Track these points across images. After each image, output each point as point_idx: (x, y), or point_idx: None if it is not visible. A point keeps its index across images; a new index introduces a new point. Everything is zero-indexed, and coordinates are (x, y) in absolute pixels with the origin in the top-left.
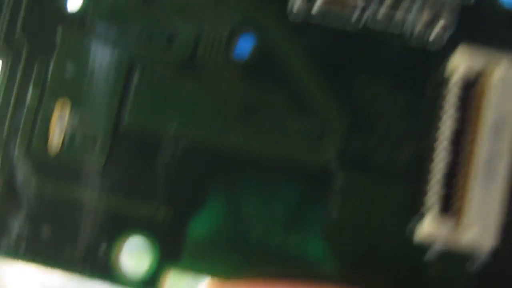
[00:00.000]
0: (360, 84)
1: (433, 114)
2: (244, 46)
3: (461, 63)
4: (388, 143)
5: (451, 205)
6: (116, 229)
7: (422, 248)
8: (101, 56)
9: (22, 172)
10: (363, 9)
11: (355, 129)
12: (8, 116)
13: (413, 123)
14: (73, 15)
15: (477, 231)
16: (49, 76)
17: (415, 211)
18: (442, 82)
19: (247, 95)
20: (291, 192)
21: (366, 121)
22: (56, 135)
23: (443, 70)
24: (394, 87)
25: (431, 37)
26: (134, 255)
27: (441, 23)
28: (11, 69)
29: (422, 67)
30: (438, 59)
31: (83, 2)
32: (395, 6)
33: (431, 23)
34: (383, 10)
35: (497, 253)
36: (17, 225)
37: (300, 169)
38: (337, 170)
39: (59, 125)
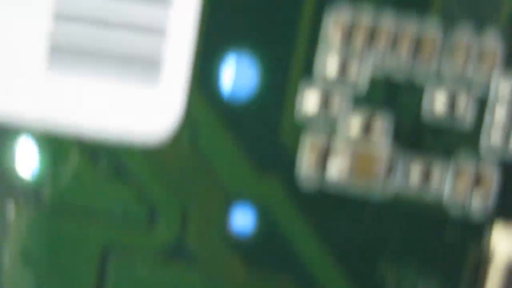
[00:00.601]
0: (384, 271)
1: None
2: (243, 224)
3: (502, 244)
4: None
5: None
6: None
7: None
8: (65, 242)
9: None
10: (389, 180)
11: None
12: None
13: None
14: (27, 185)
15: None
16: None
17: None
18: (483, 265)
19: (248, 285)
20: None
21: None
22: None
23: (485, 249)
24: (423, 273)
25: (471, 207)
26: None
27: (481, 191)
28: None
29: (458, 244)
30: (479, 235)
31: (38, 169)
32: (425, 178)
33: (470, 191)
34: (412, 182)
35: None
36: None
37: None
38: None
39: None
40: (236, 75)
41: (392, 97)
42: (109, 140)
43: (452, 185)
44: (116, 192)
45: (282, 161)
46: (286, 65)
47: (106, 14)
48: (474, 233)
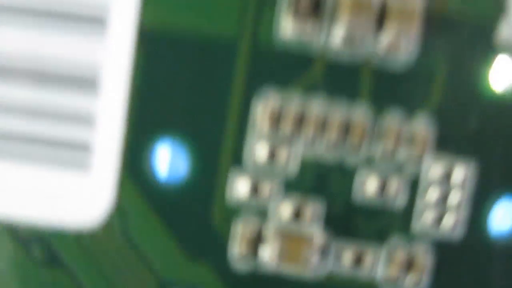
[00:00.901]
0: None
1: None
2: None
3: None
4: None
5: None
6: None
7: None
8: None
9: None
10: (321, 264)
11: None
12: None
13: None
14: None
15: None
16: None
17: None
18: None
19: None
20: None
21: None
22: None
23: None
24: None
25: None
26: None
27: (414, 273)
28: None
29: None
30: None
31: None
32: (357, 261)
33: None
34: (345, 265)
35: None
36: None
37: None
38: None
39: None
40: (167, 162)
41: (322, 181)
42: (42, 227)
43: (385, 267)
44: (50, 280)
45: (214, 246)
46: (216, 152)
47: (36, 101)
48: None
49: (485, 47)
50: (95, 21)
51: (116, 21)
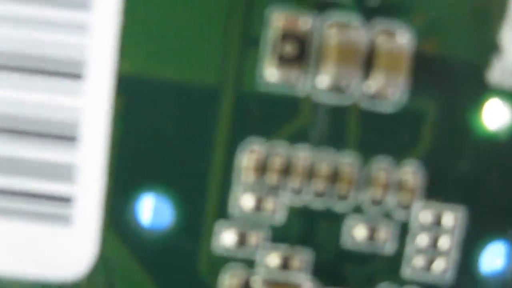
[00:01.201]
0: None
1: None
2: None
3: None
4: None
5: None
6: None
7: None
8: None
9: None
10: None
11: None
12: None
13: None
14: None
15: None
16: None
17: None
18: None
19: None
20: None
21: None
22: None
23: None
24: None
25: None
26: None
27: None
28: None
29: None
30: None
31: None
32: None
33: None
34: None
35: None
36: None
37: None
38: None
39: None
40: (151, 212)
41: (310, 229)
42: (26, 280)
43: None
44: None
45: None
46: (201, 202)
47: (17, 156)
48: None
49: (477, 88)
50: (72, 76)
51: (94, 73)
